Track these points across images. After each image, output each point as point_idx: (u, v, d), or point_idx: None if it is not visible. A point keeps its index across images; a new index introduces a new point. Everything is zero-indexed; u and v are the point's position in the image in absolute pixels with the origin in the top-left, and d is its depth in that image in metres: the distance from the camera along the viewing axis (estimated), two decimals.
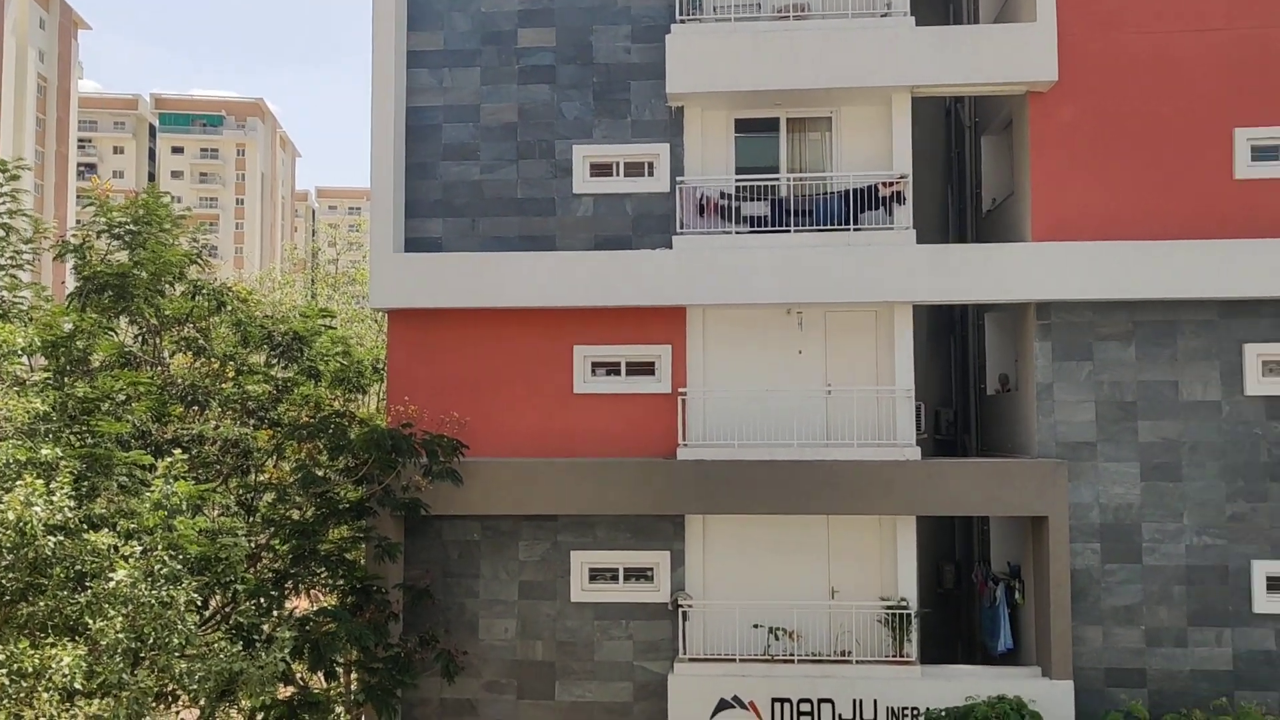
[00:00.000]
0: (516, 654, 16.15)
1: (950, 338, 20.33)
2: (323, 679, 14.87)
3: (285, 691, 14.52)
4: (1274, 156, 15.61)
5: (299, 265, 58.83)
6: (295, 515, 15.53)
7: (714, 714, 15.18)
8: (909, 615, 15.46)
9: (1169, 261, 15.27)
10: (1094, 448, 15.60)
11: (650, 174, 16.59)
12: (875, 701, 15.07)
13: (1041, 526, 15.48)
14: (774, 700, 15.15)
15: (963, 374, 19.94)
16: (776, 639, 15.67)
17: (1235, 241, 15.23)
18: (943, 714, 14.00)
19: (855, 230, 15.99)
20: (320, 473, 15.44)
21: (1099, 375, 15.70)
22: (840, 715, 15.03)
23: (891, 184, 16.08)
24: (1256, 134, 15.60)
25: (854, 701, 15.07)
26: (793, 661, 15.44)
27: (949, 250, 16.48)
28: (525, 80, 16.80)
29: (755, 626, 15.77)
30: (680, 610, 15.77)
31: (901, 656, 15.36)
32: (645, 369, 16.45)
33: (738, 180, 16.44)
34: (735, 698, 15.18)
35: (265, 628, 13.68)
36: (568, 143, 16.67)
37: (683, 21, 16.31)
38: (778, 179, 16.51)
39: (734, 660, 15.50)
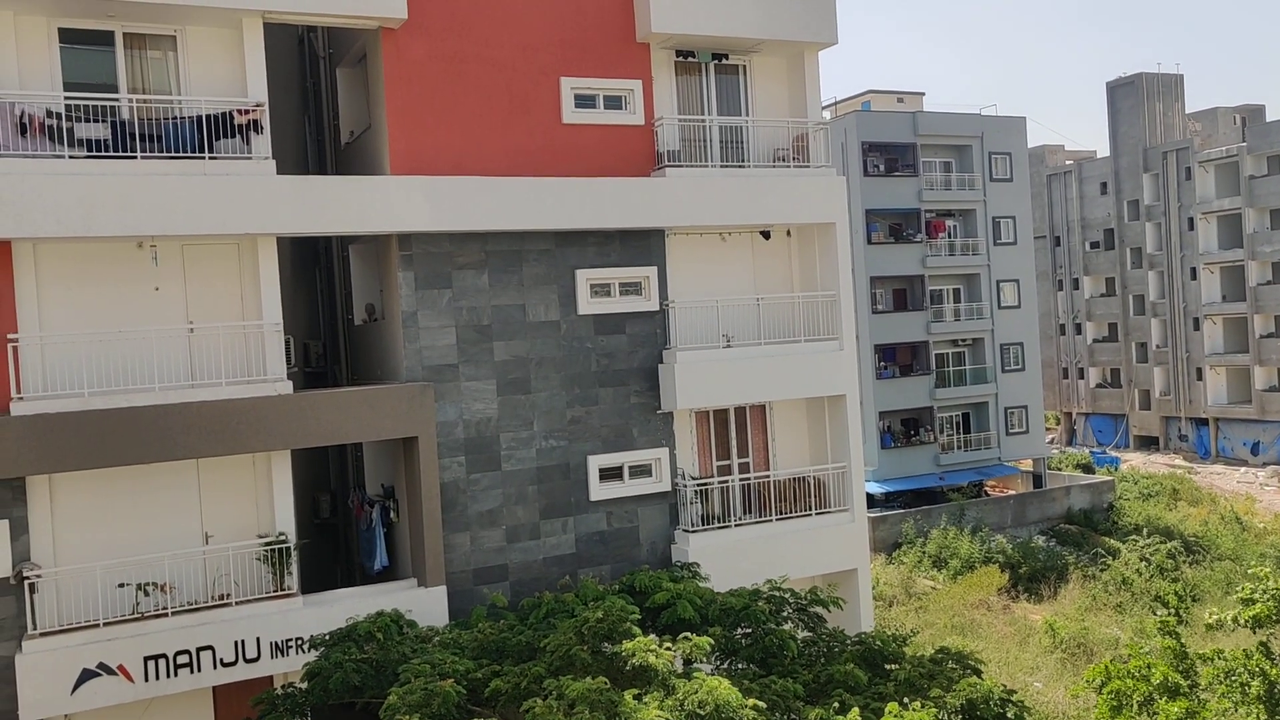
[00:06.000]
0: None
1: (316, 270, 20.33)
2: None
3: None
4: (592, 104, 17.83)
5: None
6: None
7: (77, 686, 13.88)
8: (288, 549, 15.44)
9: (511, 197, 16.77)
10: (456, 369, 16.78)
11: None
12: (258, 639, 14.90)
13: (412, 447, 16.34)
14: (147, 659, 14.25)
15: (330, 306, 20.12)
16: (147, 595, 14.71)
17: (564, 180, 17.19)
18: (326, 637, 14.28)
19: (211, 159, 15.18)
20: None
21: (458, 302, 16.84)
22: (221, 659, 14.63)
23: (247, 112, 15.50)
24: (578, 83, 17.66)
25: (236, 643, 14.75)
26: (167, 615, 14.63)
27: (311, 182, 16.40)
28: None
29: (121, 586, 14.64)
30: (26, 582, 14.05)
31: (283, 590, 15.33)
32: None
33: (68, 98, 14.65)
34: (101, 664, 14.00)
35: None
36: None
37: None
38: (118, 99, 15.03)
39: (97, 625, 14.26)
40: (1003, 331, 51.74)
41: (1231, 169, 65.86)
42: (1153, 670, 13.21)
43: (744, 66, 19.45)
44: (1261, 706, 13.50)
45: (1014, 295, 52.50)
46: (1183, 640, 14.52)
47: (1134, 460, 65.86)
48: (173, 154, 15.03)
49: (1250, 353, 64.63)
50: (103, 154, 14.73)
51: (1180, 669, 13.59)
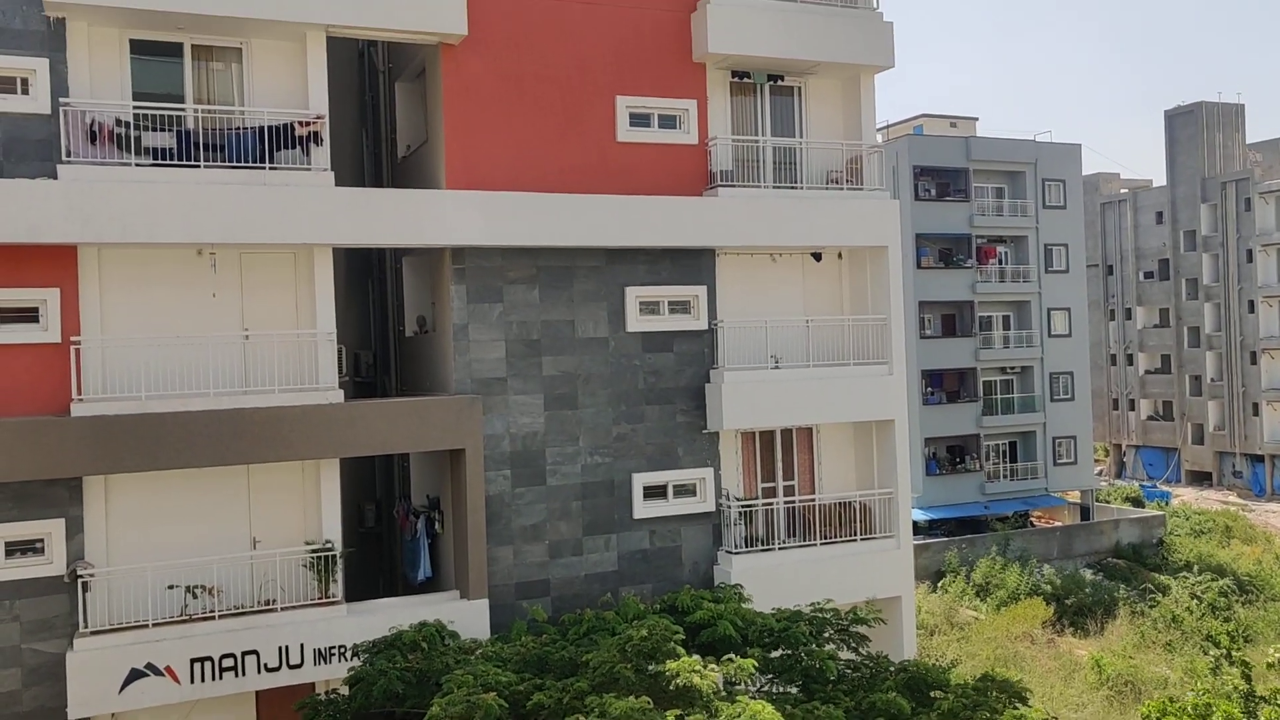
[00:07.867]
0: None
1: (368, 281, 20.57)
2: None
3: None
4: (646, 123, 17.91)
5: None
6: None
7: (125, 686, 14.07)
8: (334, 556, 15.57)
9: (564, 213, 16.86)
10: (505, 382, 16.87)
11: (25, 92, 14.50)
12: (302, 646, 15.01)
13: (459, 459, 16.43)
14: (193, 661, 14.42)
15: (381, 317, 20.33)
16: (195, 597, 14.89)
17: (617, 197, 17.25)
18: (370, 645, 14.36)
19: (271, 169, 15.45)
20: None
21: (509, 316, 16.95)
22: (265, 664, 14.76)
23: (308, 123, 15.75)
24: (633, 102, 17.75)
25: (280, 649, 14.87)
26: (213, 618, 14.80)
27: (369, 194, 16.62)
28: None
29: (170, 588, 14.84)
30: (80, 581, 14.30)
31: (327, 597, 15.45)
32: (27, 315, 14.47)
33: (136, 107, 14.99)
34: (149, 665, 14.18)
35: None
36: None
37: None
38: (184, 109, 15.35)
39: (146, 626, 14.46)
40: (1052, 360, 51.04)
41: None
42: (1213, 710, 12.83)
43: (799, 88, 19.44)
44: None
45: (1065, 324, 51.80)
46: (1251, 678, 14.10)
47: (1185, 495, 64.51)
48: (235, 164, 15.31)
49: None
50: (168, 162, 15.04)
51: (1246, 709, 13.19)
